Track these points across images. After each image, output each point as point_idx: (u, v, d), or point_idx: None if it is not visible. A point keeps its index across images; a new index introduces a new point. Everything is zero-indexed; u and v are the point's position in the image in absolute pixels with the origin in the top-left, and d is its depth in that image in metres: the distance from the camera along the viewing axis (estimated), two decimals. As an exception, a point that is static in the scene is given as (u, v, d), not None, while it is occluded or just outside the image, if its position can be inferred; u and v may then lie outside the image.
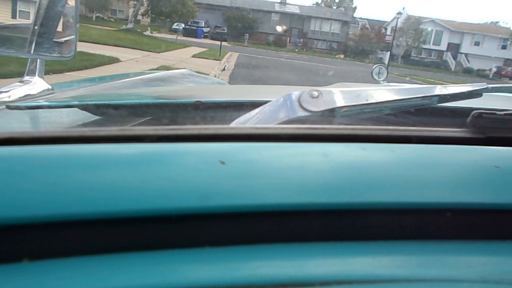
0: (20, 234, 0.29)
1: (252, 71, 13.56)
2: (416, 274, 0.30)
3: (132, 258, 0.30)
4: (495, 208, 0.36)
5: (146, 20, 31.83)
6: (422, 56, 41.27)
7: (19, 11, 1.02)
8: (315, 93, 0.46)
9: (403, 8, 40.56)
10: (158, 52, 14.63)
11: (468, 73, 35.51)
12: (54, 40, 1.01)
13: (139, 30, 24.37)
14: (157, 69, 8.86)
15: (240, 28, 36.97)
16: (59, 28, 1.02)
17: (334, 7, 47.10)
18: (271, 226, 0.33)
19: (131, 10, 28.69)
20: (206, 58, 15.13)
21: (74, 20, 0.99)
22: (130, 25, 24.46)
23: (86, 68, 7.68)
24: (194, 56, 15.58)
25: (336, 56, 37.28)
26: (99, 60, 9.05)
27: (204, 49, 19.57)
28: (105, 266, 0.29)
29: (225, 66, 13.49)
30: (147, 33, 24.25)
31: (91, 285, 0.27)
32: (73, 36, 1.00)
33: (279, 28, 37.52)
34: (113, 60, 9.75)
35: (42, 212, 0.29)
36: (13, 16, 1.02)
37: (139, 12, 27.85)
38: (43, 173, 0.31)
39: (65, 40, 1.02)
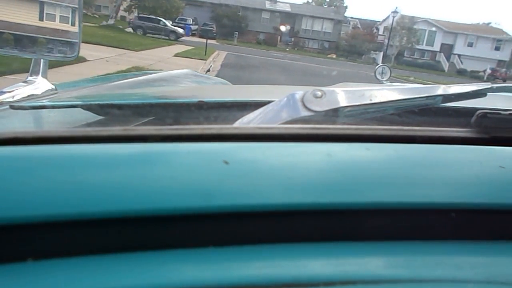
0: (24, 234, 0.29)
1: (240, 73, 12.30)
2: (420, 275, 0.30)
3: (136, 258, 0.30)
4: (500, 209, 0.36)
5: (131, 16, 30.42)
6: (415, 56, 40.47)
7: (46, 13, 1.08)
8: (319, 93, 0.46)
9: (396, 8, 39.74)
10: (136, 51, 13.33)
11: (462, 75, 34.75)
12: (57, 40, 1.07)
13: (120, 26, 23.01)
14: (127, 70, 7.50)
15: (230, 26, 35.65)
16: (62, 28, 1.08)
17: (325, 6, 46.11)
18: (274, 226, 0.33)
19: (112, 5, 27.21)
20: (190, 58, 13.83)
21: (78, 21, 1.05)
22: (111, 21, 23.06)
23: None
24: (176, 55, 14.26)
25: (328, 56, 36.24)
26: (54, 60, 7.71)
27: (190, 48, 18.28)
28: (109, 266, 0.29)
29: (211, 66, 12.28)
30: (130, 29, 22.88)
31: (96, 284, 0.27)
32: (76, 37, 1.05)
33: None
34: (77, 60, 8.42)
35: (46, 211, 0.29)
36: (40, 19, 1.07)
37: (122, 8, 26.47)
38: (47, 172, 0.30)
39: (68, 41, 1.06)
